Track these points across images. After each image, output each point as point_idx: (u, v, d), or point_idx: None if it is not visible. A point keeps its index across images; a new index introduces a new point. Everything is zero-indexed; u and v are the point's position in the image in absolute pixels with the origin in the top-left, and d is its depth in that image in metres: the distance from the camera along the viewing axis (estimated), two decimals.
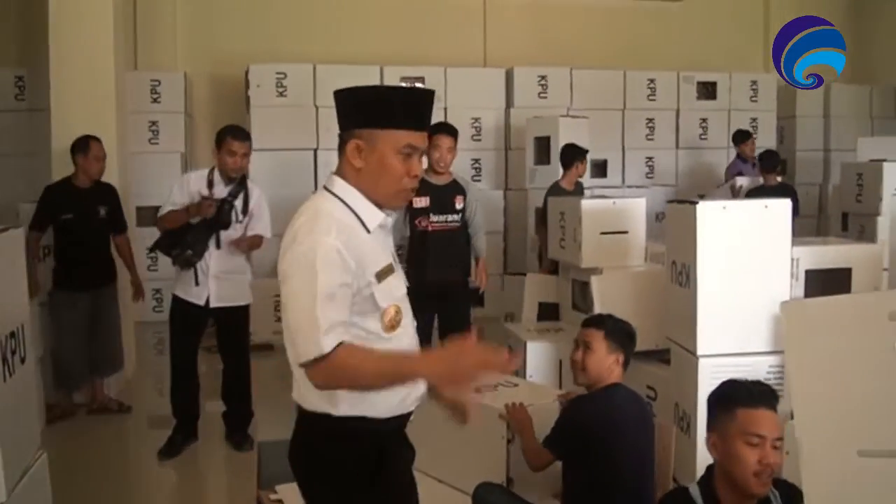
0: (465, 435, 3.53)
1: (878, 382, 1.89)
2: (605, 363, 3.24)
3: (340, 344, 1.98)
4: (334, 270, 2.02)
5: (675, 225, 3.94)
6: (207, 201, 4.65)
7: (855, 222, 6.93)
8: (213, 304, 4.79)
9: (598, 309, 4.29)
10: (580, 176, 7.16)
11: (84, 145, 5.44)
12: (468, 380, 1.95)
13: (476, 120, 9.13)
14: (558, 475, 3.25)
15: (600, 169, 9.24)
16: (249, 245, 4.83)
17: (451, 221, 5.09)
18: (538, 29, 9.96)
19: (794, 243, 3.75)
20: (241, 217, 4.77)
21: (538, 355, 4.88)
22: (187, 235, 4.67)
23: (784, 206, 3.68)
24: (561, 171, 7.17)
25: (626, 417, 3.13)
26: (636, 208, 4.97)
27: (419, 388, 2.27)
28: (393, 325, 2.17)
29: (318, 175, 8.34)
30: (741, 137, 8.96)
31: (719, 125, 9.90)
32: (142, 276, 5.91)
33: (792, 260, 3.73)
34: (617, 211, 4.96)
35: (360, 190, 2.17)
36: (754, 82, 10.05)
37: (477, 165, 9.16)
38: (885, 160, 6.81)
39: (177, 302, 4.85)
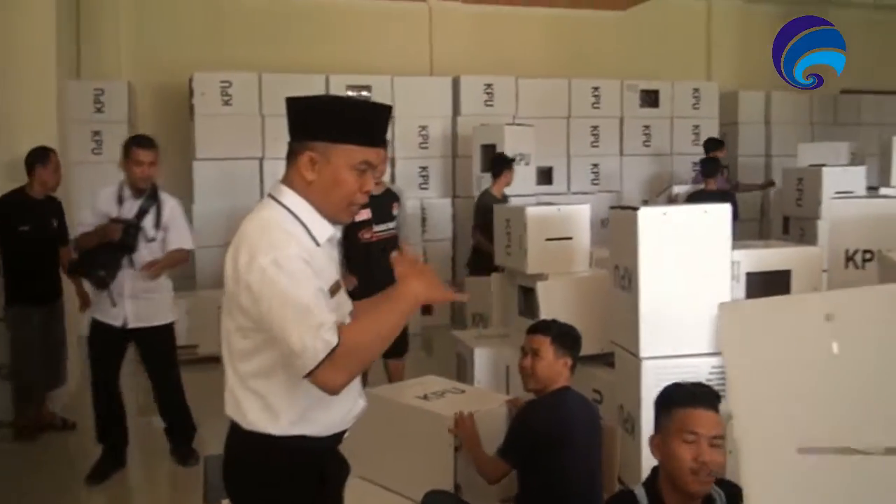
0: (412, 442, 3.55)
1: (815, 381, 1.93)
2: (554, 368, 3.28)
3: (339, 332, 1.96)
4: (308, 277, 1.99)
5: (617, 231, 3.99)
6: (114, 225, 4.53)
7: (796, 226, 7.09)
8: (130, 325, 4.66)
9: (543, 314, 4.32)
10: (508, 184, 7.28)
11: (44, 156, 5.32)
12: (437, 281, 2.12)
13: (423, 128, 9.15)
14: (506, 480, 3.26)
15: (546, 176, 9.33)
16: (166, 266, 4.70)
17: (391, 229, 5.28)
18: (484, 38, 10.03)
19: (735, 247, 3.82)
20: (152, 235, 4.64)
21: (485, 362, 4.89)
22: (99, 256, 4.55)
23: (723, 210, 3.75)
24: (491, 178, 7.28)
25: (576, 420, 3.16)
26: (580, 215, 5.02)
27: (359, 405, 2.26)
28: None
29: (264, 185, 8.26)
30: (714, 145, 9.05)
31: (662, 132, 10.09)
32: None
33: (732, 263, 3.80)
34: (562, 217, 5.00)
35: (309, 202, 2.12)
36: (696, 90, 10.25)
37: (424, 173, 9.18)
38: (824, 165, 7.00)
39: (95, 325, 4.72)
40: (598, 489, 3.18)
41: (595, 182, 9.80)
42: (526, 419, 3.23)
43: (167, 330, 4.85)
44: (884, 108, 11.04)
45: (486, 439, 3.29)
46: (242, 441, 2.15)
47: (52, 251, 5.44)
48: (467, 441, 3.31)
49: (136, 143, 4.68)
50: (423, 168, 9.17)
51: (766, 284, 3.94)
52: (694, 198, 7.61)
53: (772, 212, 9.14)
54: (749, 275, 3.97)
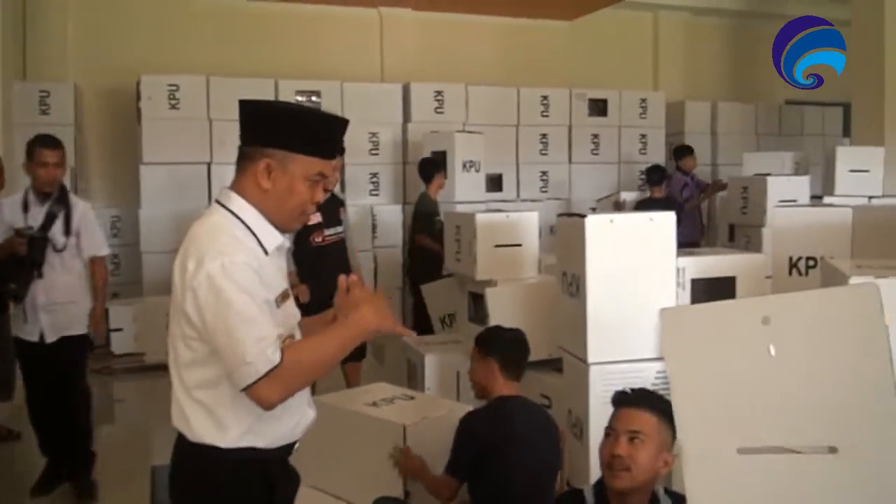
0: (362, 449, 3.54)
1: (754, 383, 1.98)
2: (482, 371, 3.36)
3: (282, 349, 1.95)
4: (255, 287, 1.97)
5: (564, 238, 4.03)
6: (18, 238, 4.31)
7: (741, 233, 7.24)
8: (48, 339, 4.45)
9: (493, 320, 4.34)
10: (442, 186, 7.40)
11: None
12: (388, 312, 2.12)
13: (374, 134, 9.12)
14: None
15: (496, 183, 9.37)
16: (102, 305, 4.61)
17: (340, 232, 5.48)
18: (434, 45, 10.06)
19: (680, 253, 3.87)
20: (62, 243, 4.42)
21: (435, 368, 4.90)
22: (8, 269, 4.33)
23: (668, 218, 3.81)
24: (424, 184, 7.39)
25: (517, 427, 3.18)
26: (529, 221, 5.06)
27: (308, 416, 2.25)
28: None
29: (212, 189, 8.16)
30: (683, 152, 9.15)
31: (610, 141, 10.20)
32: None
33: (678, 269, 3.86)
34: (511, 224, 5.04)
35: (259, 210, 2.09)
36: (643, 100, 10.39)
37: (375, 180, 9.16)
38: (769, 174, 7.15)
39: (16, 342, 4.54)
40: (549, 494, 3.21)
41: (544, 189, 9.87)
42: (465, 431, 3.22)
43: (81, 339, 4.60)
44: (827, 119, 11.34)
45: (436, 446, 3.29)
46: (189, 453, 2.11)
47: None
48: (413, 473, 3.31)
49: (41, 142, 4.40)
50: (374, 174, 9.15)
51: (712, 291, 4.00)
52: (642, 206, 7.71)
53: (717, 219, 9.30)
54: (694, 281, 4.03)
